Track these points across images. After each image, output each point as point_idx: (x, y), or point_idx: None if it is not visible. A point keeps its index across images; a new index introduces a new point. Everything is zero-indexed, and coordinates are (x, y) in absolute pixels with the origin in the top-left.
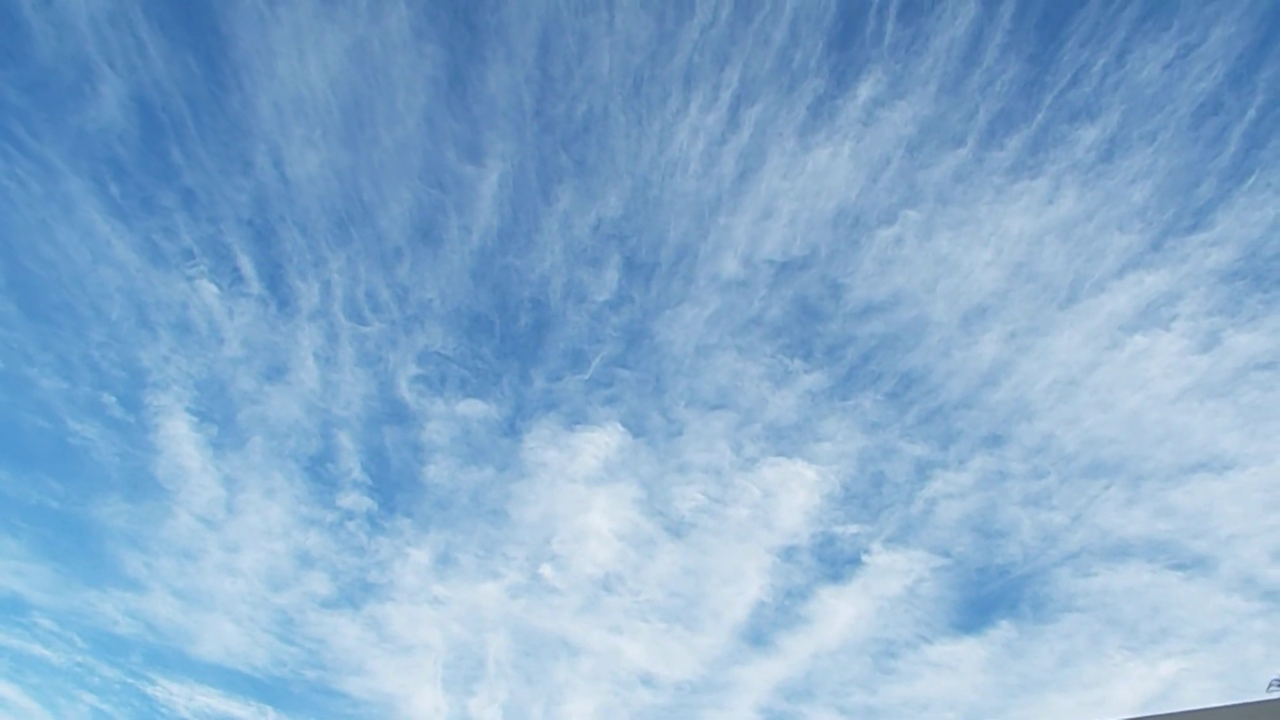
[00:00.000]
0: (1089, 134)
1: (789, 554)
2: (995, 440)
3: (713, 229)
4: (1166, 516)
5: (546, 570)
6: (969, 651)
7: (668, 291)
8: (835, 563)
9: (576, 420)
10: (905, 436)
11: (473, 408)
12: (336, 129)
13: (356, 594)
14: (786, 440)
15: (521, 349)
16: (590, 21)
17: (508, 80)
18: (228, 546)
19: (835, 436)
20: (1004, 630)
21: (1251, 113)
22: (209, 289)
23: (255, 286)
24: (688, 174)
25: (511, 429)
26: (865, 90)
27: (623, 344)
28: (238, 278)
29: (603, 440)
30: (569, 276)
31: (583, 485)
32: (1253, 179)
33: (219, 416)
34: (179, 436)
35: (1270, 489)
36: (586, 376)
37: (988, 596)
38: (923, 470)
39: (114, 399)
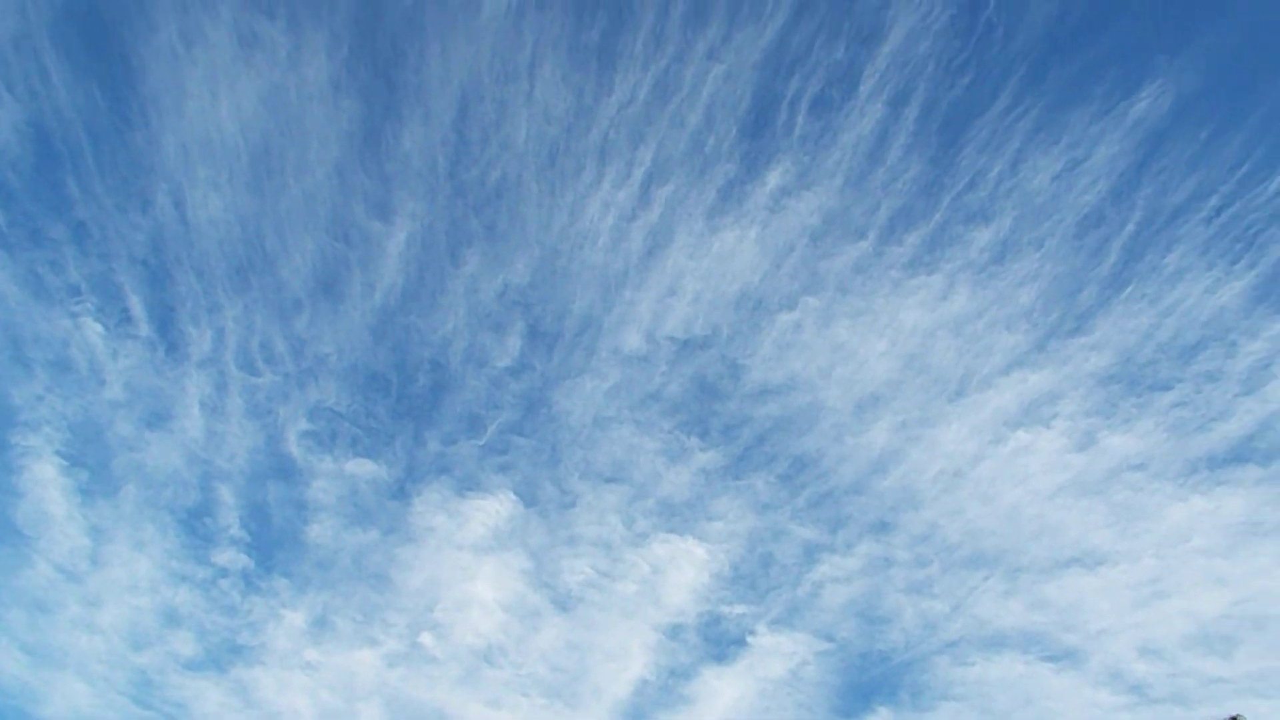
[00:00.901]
0: (983, 236)
1: (675, 632)
2: (882, 527)
3: (618, 303)
4: (1041, 609)
5: (426, 639)
6: None
7: (569, 362)
8: (720, 643)
9: (469, 486)
10: (795, 519)
11: (362, 467)
12: (244, 174)
13: (224, 656)
14: (679, 517)
15: (417, 410)
16: (510, 90)
17: (423, 140)
18: (88, 600)
19: (727, 515)
20: (883, 717)
21: (1130, 227)
22: (93, 328)
23: (144, 328)
24: (596, 247)
25: (401, 491)
26: (774, 178)
27: (521, 411)
28: (126, 318)
29: (494, 508)
30: (471, 340)
31: (470, 553)
32: (1130, 289)
33: (92, 462)
34: (45, 480)
35: (1137, 586)
36: (482, 442)
37: (869, 682)
38: (811, 553)
39: None
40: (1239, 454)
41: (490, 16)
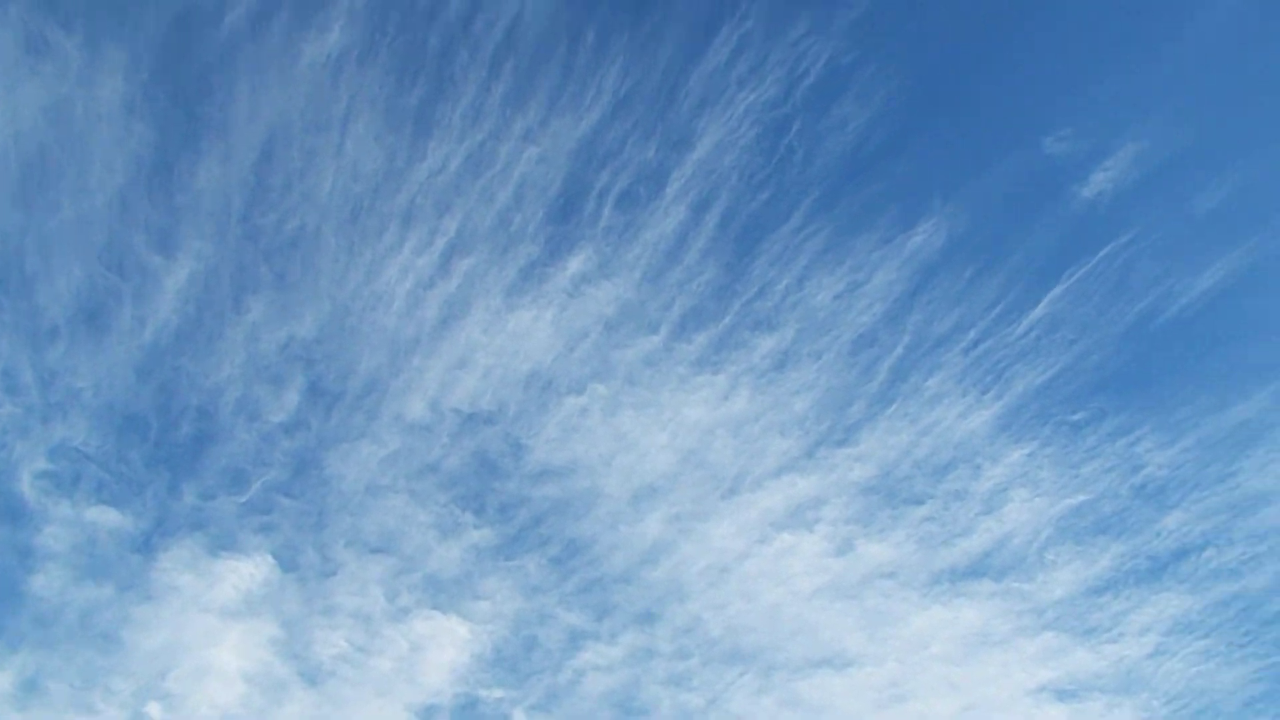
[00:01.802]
0: (767, 343)
1: (428, 713)
2: (648, 617)
3: (406, 369)
4: (792, 707)
5: (154, 709)
6: None
7: (348, 424)
8: None
9: (224, 545)
10: (563, 604)
11: (105, 515)
12: (12, 187)
13: None
14: (445, 594)
15: (176, 459)
16: (320, 141)
17: (220, 178)
18: None
19: (494, 596)
20: None
21: (899, 350)
22: None
23: None
24: (390, 310)
25: (146, 545)
26: (576, 264)
27: (290, 471)
28: None
29: (249, 570)
30: (245, 391)
31: (216, 617)
32: (894, 407)
33: None
34: None
35: (880, 688)
36: (244, 499)
37: None
38: (575, 640)
39: None
40: (976, 569)
41: (308, 65)
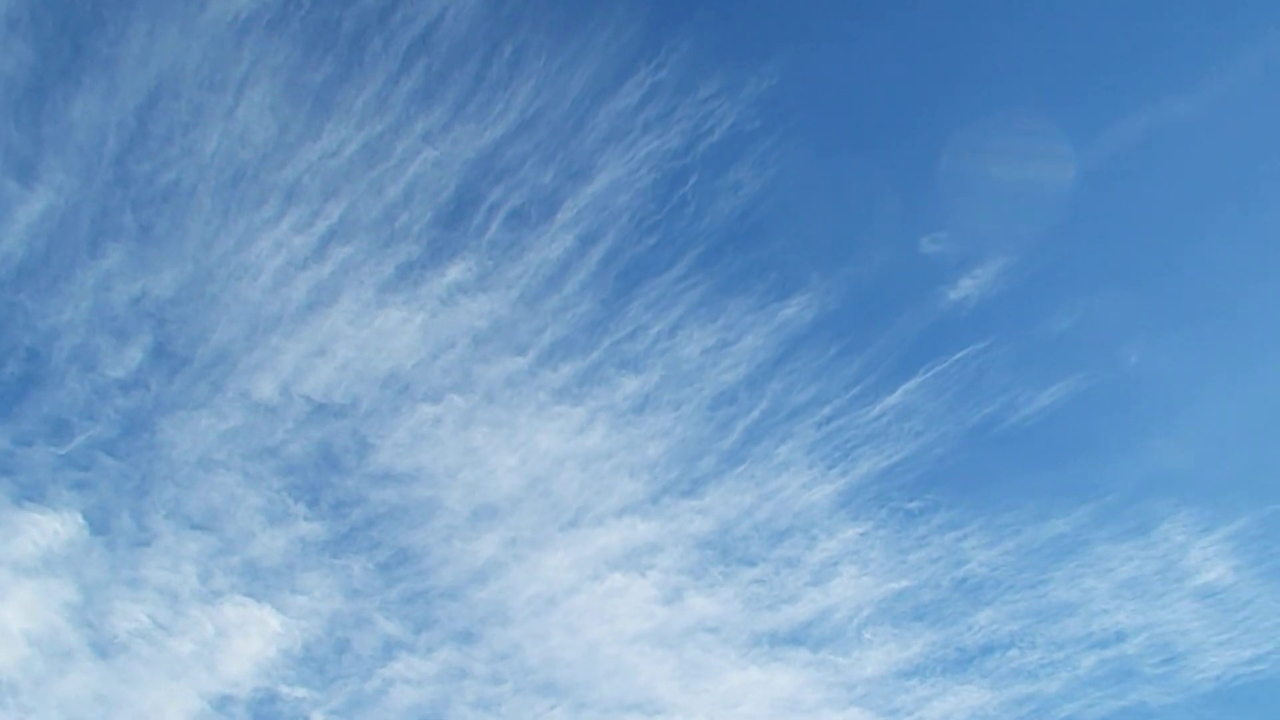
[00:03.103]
0: (631, 384)
1: (223, 703)
2: (467, 637)
3: (261, 347)
4: None
5: None
6: None
7: (190, 392)
8: None
9: (32, 496)
10: (383, 611)
11: None
12: None
13: None
14: (261, 582)
15: None
16: (213, 99)
17: (97, 116)
18: None
19: (314, 592)
20: None
21: (756, 413)
22: None
23: None
24: (255, 284)
25: None
26: (455, 273)
27: (119, 430)
28: None
29: (54, 527)
30: (86, 340)
31: (9, 571)
32: (743, 467)
33: None
34: None
35: None
36: (63, 452)
37: None
38: (389, 649)
39: None
40: (796, 636)
41: (213, 19)
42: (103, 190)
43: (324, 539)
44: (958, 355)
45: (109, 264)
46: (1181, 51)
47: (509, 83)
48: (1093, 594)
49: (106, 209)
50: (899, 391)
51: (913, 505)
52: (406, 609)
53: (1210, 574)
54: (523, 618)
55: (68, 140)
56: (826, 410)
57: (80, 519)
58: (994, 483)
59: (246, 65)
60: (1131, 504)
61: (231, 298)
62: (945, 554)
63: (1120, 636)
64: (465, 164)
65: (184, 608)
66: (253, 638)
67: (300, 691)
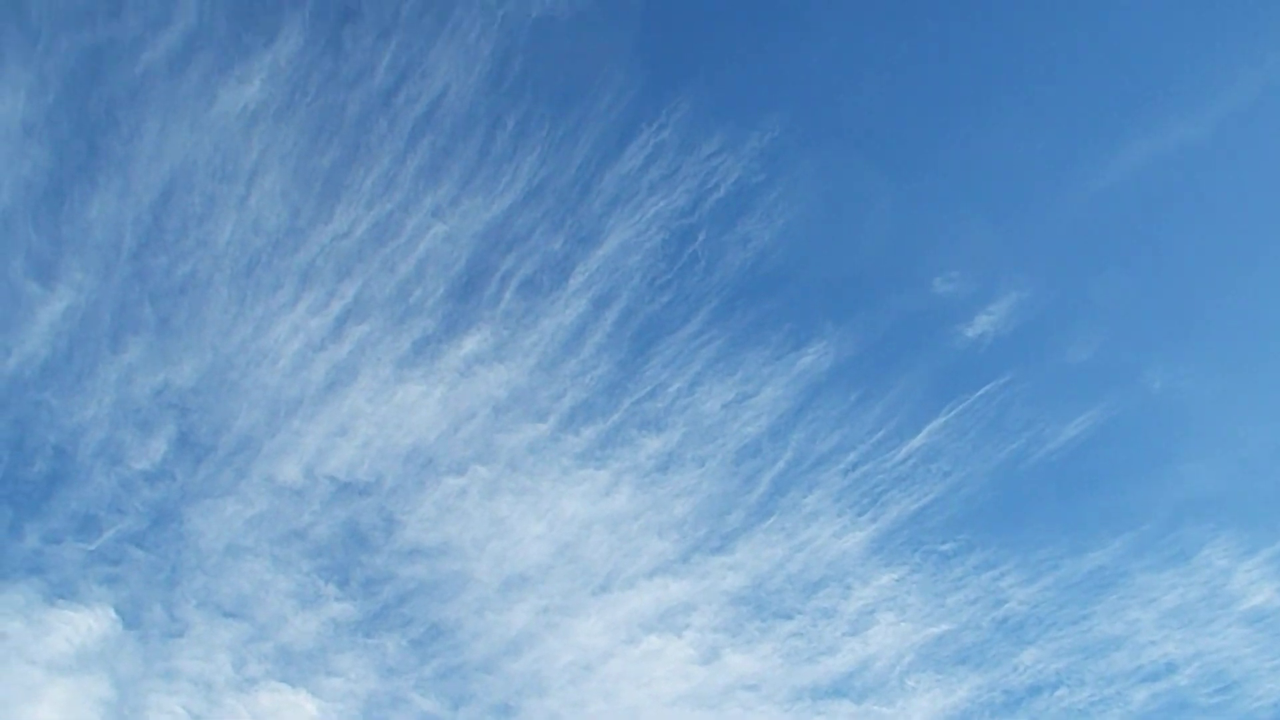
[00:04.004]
0: (653, 444)
1: None
2: (505, 710)
3: (283, 430)
4: None
5: None
6: None
7: (216, 479)
8: None
9: (63, 593)
10: (419, 688)
11: None
12: None
13: None
14: (296, 667)
15: (24, 498)
16: (225, 189)
17: (114, 213)
18: None
19: (349, 673)
20: None
21: (781, 464)
22: None
23: None
24: (275, 368)
25: None
26: (471, 344)
27: (147, 522)
28: None
29: (87, 623)
30: (110, 434)
31: (43, 670)
32: (772, 520)
33: None
34: None
35: None
36: (92, 547)
37: None
38: None
39: None
40: (838, 688)
41: (222, 113)
42: (121, 286)
43: (356, 619)
44: (979, 393)
45: (130, 358)
46: (1180, 77)
47: (513, 154)
48: (1138, 626)
49: (126, 304)
50: (923, 433)
51: (946, 547)
52: (442, 685)
53: (1257, 597)
54: (560, 686)
55: (86, 239)
56: (852, 457)
57: (112, 613)
58: (1027, 519)
59: (256, 154)
60: (1169, 531)
61: (252, 383)
62: (983, 594)
63: (1171, 668)
64: (475, 236)
65: (220, 697)
66: None
67: None
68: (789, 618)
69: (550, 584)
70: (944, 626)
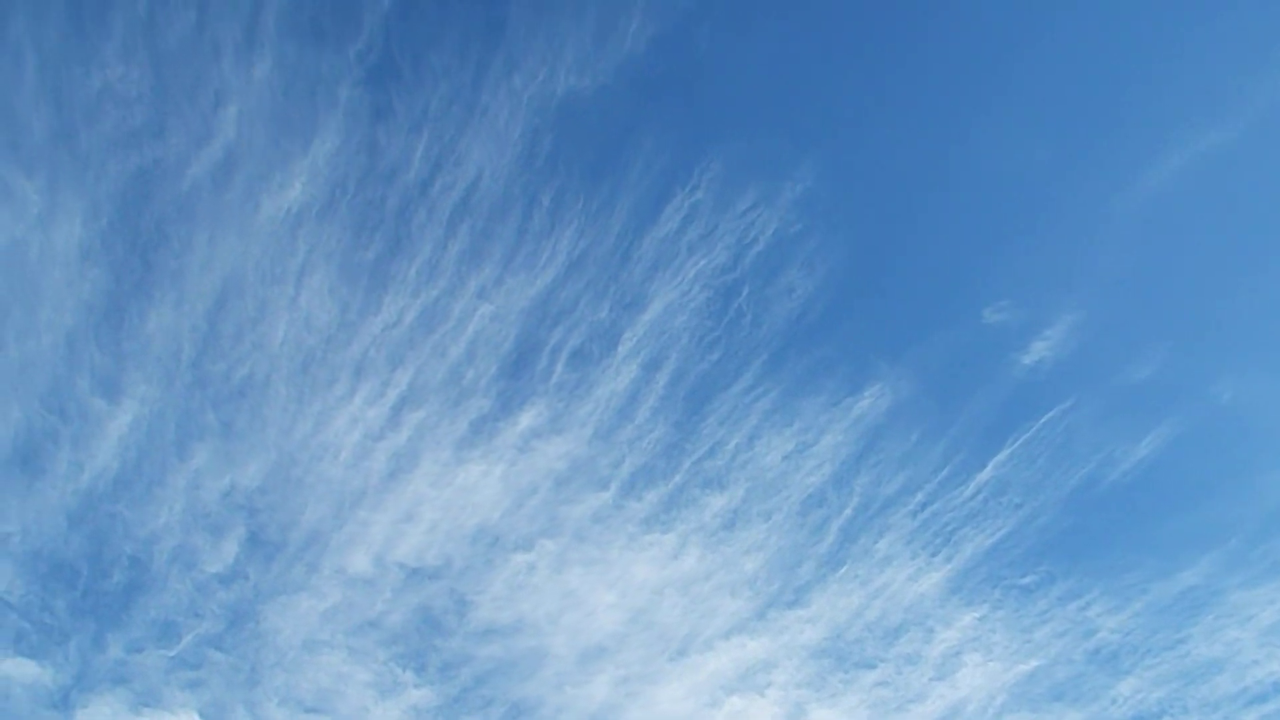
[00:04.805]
0: (717, 502)
1: None
2: None
3: (350, 521)
4: None
5: None
6: None
7: (288, 576)
8: None
9: (148, 701)
10: None
11: (22, 669)
12: None
13: None
14: None
15: (105, 609)
16: (275, 292)
17: (171, 325)
18: None
19: None
20: None
21: (848, 511)
22: None
23: None
24: (338, 461)
25: (65, 701)
26: (527, 420)
27: (225, 623)
28: None
29: None
30: (183, 540)
31: None
32: (844, 569)
33: None
34: None
35: None
36: (173, 654)
37: None
38: None
39: None
40: None
41: (267, 218)
42: (183, 394)
43: (436, 704)
44: (1043, 420)
45: (197, 463)
46: (1205, 83)
47: (552, 229)
48: (1238, 646)
49: (189, 411)
50: (990, 466)
51: (1027, 580)
52: None
53: None
54: None
55: (146, 352)
56: (919, 497)
57: (196, 718)
58: (1108, 544)
59: (303, 255)
60: (1259, 544)
61: (316, 478)
62: (1071, 626)
63: (1278, 688)
64: (522, 313)
65: None
66: None
67: None
68: (872, 667)
69: (627, 652)
70: (1034, 663)
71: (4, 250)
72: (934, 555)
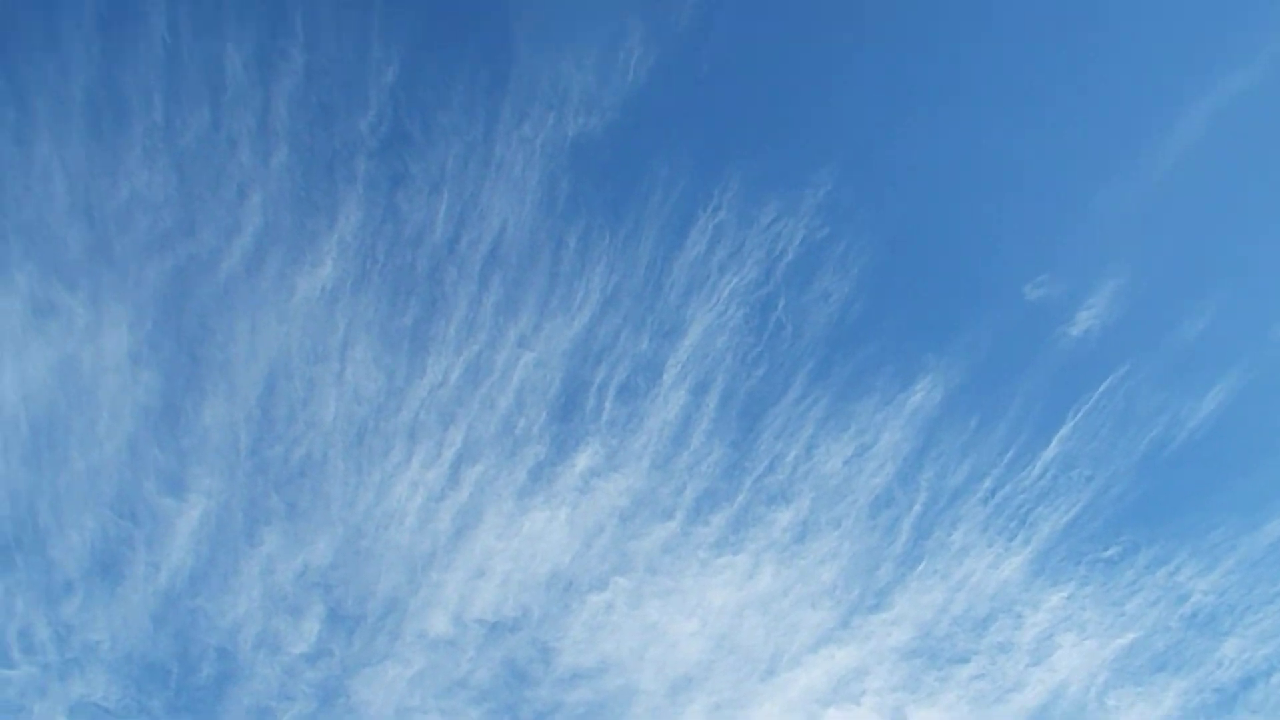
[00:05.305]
0: (784, 516)
1: None
2: None
3: (424, 585)
4: None
5: None
6: None
7: (371, 646)
8: None
9: None
10: None
11: None
12: (22, 448)
13: None
14: None
15: (199, 703)
16: (321, 370)
17: (225, 416)
18: None
19: None
20: None
21: (918, 507)
22: None
23: None
24: (403, 527)
25: None
26: (583, 460)
27: (316, 702)
28: None
29: None
30: (264, 625)
31: None
32: (923, 565)
33: None
34: None
35: None
36: None
37: None
38: None
39: None
40: None
41: (304, 299)
42: (246, 482)
43: None
44: (1101, 389)
45: (268, 548)
46: (1227, 27)
47: (582, 269)
48: None
49: (253, 498)
50: (1054, 443)
51: (1110, 553)
52: None
53: None
54: None
55: (205, 446)
56: (987, 483)
57: None
58: (1187, 505)
59: (343, 329)
60: None
61: (385, 547)
62: (1163, 593)
63: None
64: (564, 355)
65: None
66: None
67: None
68: (966, 661)
69: (716, 678)
70: (1130, 636)
71: (57, 366)
72: (1011, 540)
